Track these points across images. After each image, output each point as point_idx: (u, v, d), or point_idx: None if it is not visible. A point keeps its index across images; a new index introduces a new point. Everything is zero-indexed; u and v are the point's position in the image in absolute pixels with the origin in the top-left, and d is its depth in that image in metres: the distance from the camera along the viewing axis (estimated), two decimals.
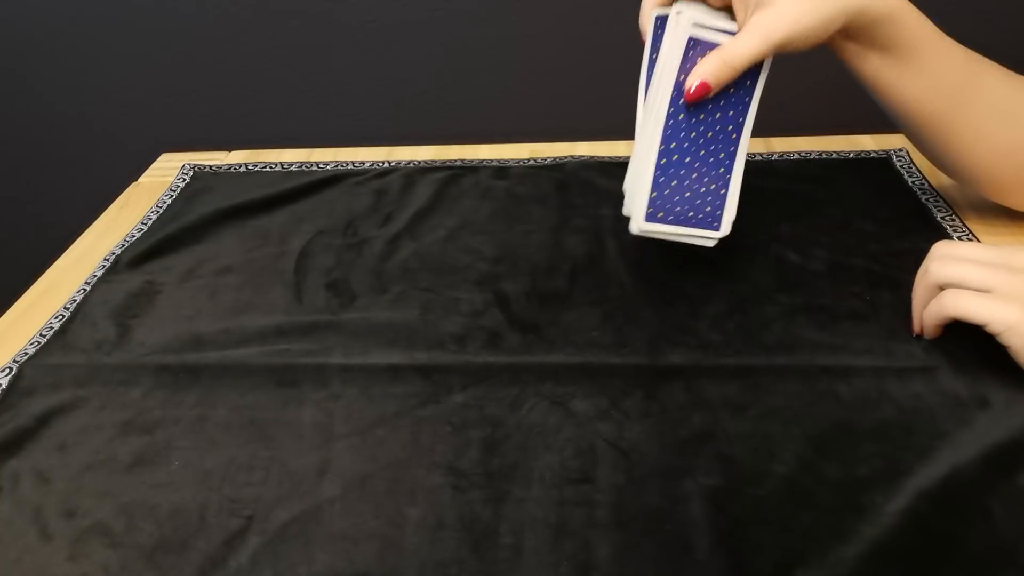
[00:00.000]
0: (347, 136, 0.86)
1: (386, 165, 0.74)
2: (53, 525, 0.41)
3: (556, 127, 0.82)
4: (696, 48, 0.47)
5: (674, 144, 0.48)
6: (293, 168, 0.75)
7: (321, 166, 0.75)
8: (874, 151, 0.71)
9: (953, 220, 0.60)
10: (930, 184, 0.65)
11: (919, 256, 0.48)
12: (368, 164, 0.75)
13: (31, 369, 0.51)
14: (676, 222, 0.50)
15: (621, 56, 0.80)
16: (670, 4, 0.49)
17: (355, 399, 0.47)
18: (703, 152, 0.49)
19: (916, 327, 0.48)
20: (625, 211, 0.50)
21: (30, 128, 0.90)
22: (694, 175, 0.49)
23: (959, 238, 0.58)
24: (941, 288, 0.45)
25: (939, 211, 0.61)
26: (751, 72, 0.48)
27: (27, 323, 0.56)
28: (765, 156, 0.71)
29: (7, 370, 0.51)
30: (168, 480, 0.43)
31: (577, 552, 0.37)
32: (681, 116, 0.48)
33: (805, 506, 0.39)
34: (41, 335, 0.54)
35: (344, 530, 0.39)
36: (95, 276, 0.60)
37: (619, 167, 0.68)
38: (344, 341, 0.52)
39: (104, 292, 0.58)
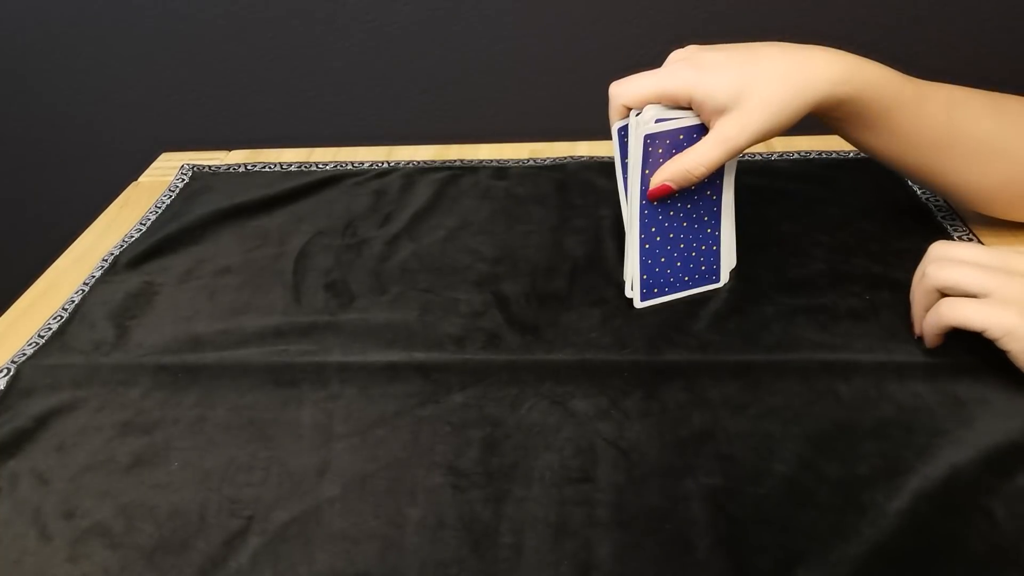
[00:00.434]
0: (346, 136, 0.86)
1: (385, 165, 0.74)
2: (52, 526, 0.41)
3: (556, 127, 0.82)
4: (655, 141, 0.48)
5: (654, 228, 0.51)
6: (292, 168, 0.75)
7: (320, 166, 0.75)
8: None
9: (953, 220, 0.60)
10: None
11: (919, 256, 0.48)
12: (367, 164, 0.75)
13: (30, 370, 0.51)
14: (674, 290, 0.53)
15: (621, 56, 0.80)
16: (628, 114, 0.50)
17: (354, 399, 0.47)
18: (686, 224, 0.52)
19: (917, 330, 0.48)
20: (628, 293, 0.53)
21: (30, 128, 0.89)
22: (681, 246, 0.52)
23: (959, 238, 0.58)
24: (938, 291, 0.45)
25: (939, 211, 0.61)
26: None
27: (26, 324, 0.56)
28: (765, 156, 0.71)
29: (5, 371, 0.51)
30: (167, 480, 0.43)
31: (577, 551, 0.37)
32: (655, 203, 0.50)
33: (805, 505, 0.39)
34: (40, 336, 0.54)
35: (344, 530, 0.39)
36: (94, 276, 0.60)
37: None
38: (343, 342, 0.52)
39: (103, 293, 0.58)
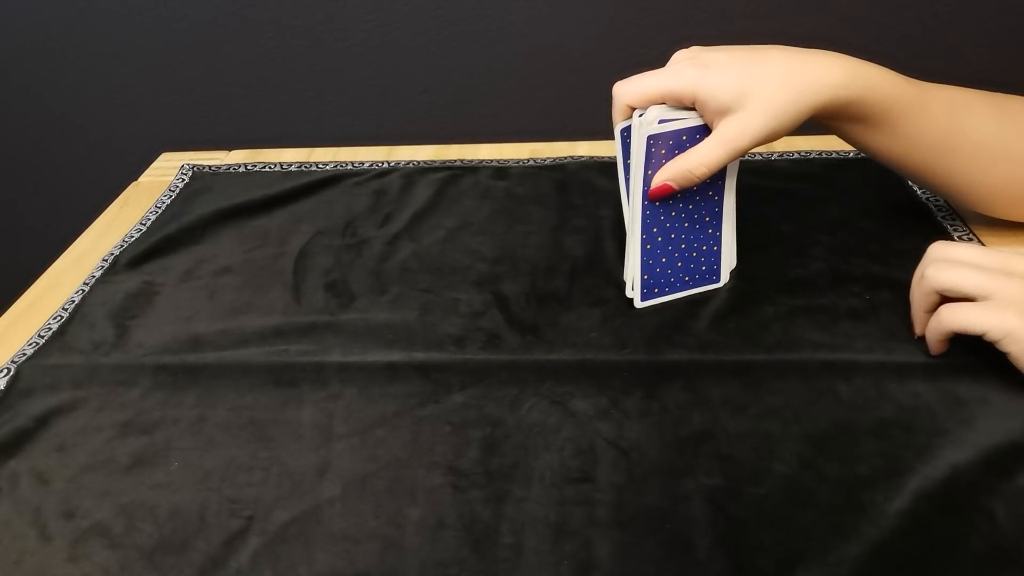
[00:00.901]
0: (346, 136, 0.86)
1: (385, 165, 0.74)
2: (52, 526, 0.41)
3: (556, 127, 0.82)
4: (658, 142, 0.48)
5: (655, 229, 0.51)
6: (292, 168, 0.75)
7: (320, 166, 0.75)
8: None
9: (953, 220, 0.60)
10: None
11: (919, 256, 0.48)
12: (367, 164, 0.75)
13: (29, 370, 0.51)
14: (674, 290, 0.53)
15: (622, 56, 0.80)
16: (631, 114, 0.50)
17: (354, 399, 0.47)
18: (687, 224, 0.52)
19: (917, 330, 0.48)
20: (628, 294, 0.53)
21: (30, 128, 0.89)
22: (682, 246, 0.52)
23: (959, 238, 0.58)
24: (938, 292, 0.45)
25: (939, 211, 0.61)
26: None
27: (26, 324, 0.56)
28: (765, 156, 0.71)
29: (5, 371, 0.51)
30: (167, 481, 0.43)
31: (578, 551, 0.37)
32: (658, 204, 0.50)
33: (805, 505, 0.39)
34: (39, 336, 0.54)
35: (344, 530, 0.39)
36: (94, 277, 0.60)
37: None
38: (343, 342, 0.52)
39: (103, 293, 0.58)
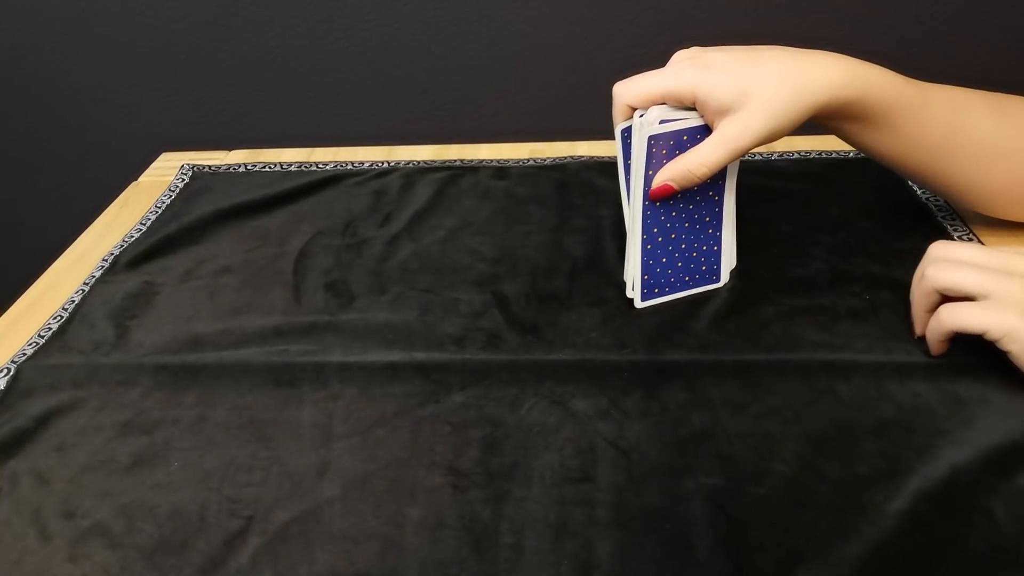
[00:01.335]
0: (346, 136, 0.86)
1: (385, 165, 0.74)
2: (52, 526, 0.41)
3: (556, 127, 0.82)
4: (659, 142, 0.49)
5: (656, 229, 0.51)
6: (292, 168, 0.75)
7: (320, 166, 0.75)
8: None
9: (953, 220, 0.60)
10: None
11: (919, 256, 0.48)
12: (367, 164, 0.75)
13: (29, 370, 0.51)
14: (675, 290, 0.53)
15: (622, 56, 0.80)
16: (631, 115, 0.50)
17: (354, 399, 0.47)
18: (687, 224, 0.52)
19: (918, 330, 0.48)
20: (628, 294, 0.53)
21: (30, 128, 0.89)
22: (682, 246, 0.52)
23: (959, 238, 0.58)
24: (938, 292, 0.45)
25: (939, 211, 0.61)
26: None
27: (26, 324, 0.56)
28: (765, 156, 0.71)
29: (5, 371, 0.51)
30: (167, 481, 0.43)
31: (578, 551, 0.37)
32: (658, 204, 0.50)
33: (805, 505, 0.39)
34: (39, 336, 0.54)
35: (344, 530, 0.39)
36: (94, 276, 0.60)
37: None
38: (343, 342, 0.52)
39: (103, 293, 0.58)
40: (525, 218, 0.64)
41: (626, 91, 0.49)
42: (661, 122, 0.48)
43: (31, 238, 0.98)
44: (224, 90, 0.85)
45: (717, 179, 0.51)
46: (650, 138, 0.48)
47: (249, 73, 0.84)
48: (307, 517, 0.40)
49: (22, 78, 0.86)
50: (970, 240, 0.57)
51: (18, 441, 0.46)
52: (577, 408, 0.45)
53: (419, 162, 0.75)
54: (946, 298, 0.45)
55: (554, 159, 0.74)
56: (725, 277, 0.54)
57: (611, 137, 0.52)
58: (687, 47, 0.51)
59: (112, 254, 0.63)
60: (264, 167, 0.76)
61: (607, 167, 0.70)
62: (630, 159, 0.51)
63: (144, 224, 0.67)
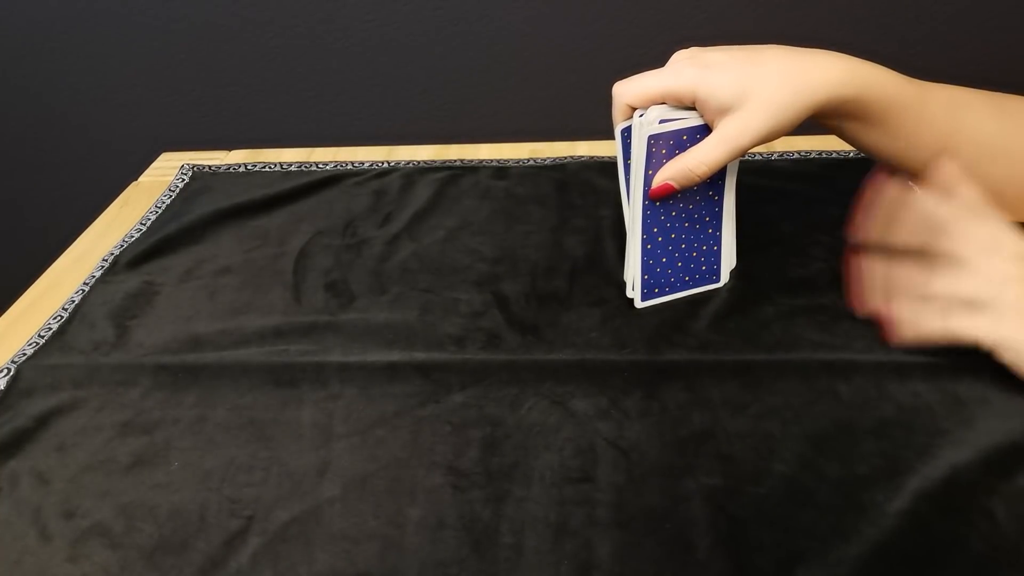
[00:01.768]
0: (346, 135, 0.86)
1: (385, 165, 0.74)
2: (53, 526, 0.41)
3: (556, 127, 0.82)
4: (658, 142, 0.49)
5: (656, 228, 0.51)
6: (292, 168, 0.75)
7: (320, 166, 0.75)
8: None
9: None
10: None
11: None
12: (367, 164, 0.75)
13: (30, 370, 0.51)
14: (675, 290, 0.53)
15: (622, 56, 0.80)
16: (631, 114, 0.50)
17: (354, 399, 0.47)
18: (687, 224, 0.52)
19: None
20: (628, 294, 0.53)
21: (30, 128, 0.89)
22: (682, 246, 0.52)
23: None
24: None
25: None
26: None
27: (26, 324, 0.56)
28: (765, 156, 0.71)
29: (5, 371, 0.51)
30: (168, 480, 0.43)
31: (578, 551, 0.37)
32: (658, 204, 0.50)
33: (805, 505, 0.39)
34: (40, 336, 0.54)
35: (344, 530, 0.39)
36: (94, 276, 0.60)
37: None
38: (343, 342, 0.52)
39: (103, 293, 0.58)
40: (525, 218, 0.64)
41: (626, 91, 0.49)
42: (661, 122, 0.48)
43: (31, 238, 0.98)
44: (224, 90, 0.85)
45: (717, 179, 0.51)
46: (650, 137, 0.48)
47: (249, 73, 0.84)
48: (307, 517, 0.40)
49: (22, 78, 0.86)
50: None
51: (18, 441, 0.46)
52: (577, 408, 0.45)
53: (419, 162, 0.75)
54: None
55: (554, 159, 0.74)
56: (725, 277, 0.54)
57: (611, 137, 0.52)
58: (687, 47, 0.51)
59: (112, 254, 0.63)
60: (264, 167, 0.76)
61: (607, 167, 0.70)
62: (630, 159, 0.51)
63: (144, 224, 0.67)
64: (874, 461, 0.41)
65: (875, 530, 0.37)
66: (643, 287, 0.52)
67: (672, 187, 0.49)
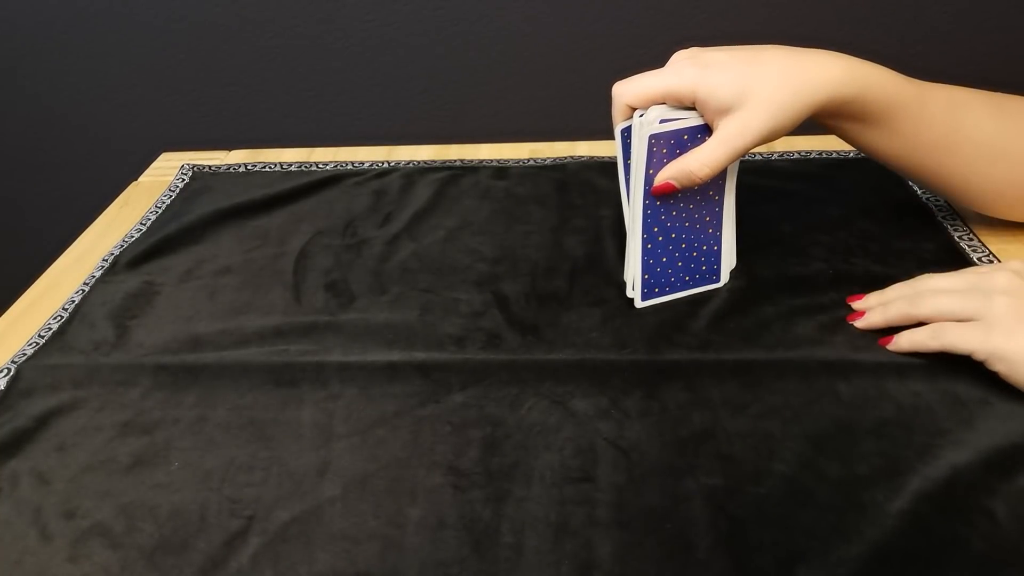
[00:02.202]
0: (346, 135, 0.86)
1: (386, 165, 0.74)
2: (53, 526, 0.41)
3: (556, 127, 0.82)
4: (659, 142, 0.49)
5: (656, 228, 0.51)
6: (292, 168, 0.75)
7: (320, 166, 0.75)
8: None
9: (954, 220, 0.60)
10: None
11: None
12: (368, 164, 0.75)
13: (30, 370, 0.51)
14: (675, 290, 0.53)
15: (622, 56, 0.80)
16: (631, 114, 0.50)
17: (354, 399, 0.47)
18: (687, 224, 0.52)
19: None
20: (628, 293, 0.53)
21: (30, 128, 0.89)
22: (683, 246, 0.52)
23: (959, 238, 0.58)
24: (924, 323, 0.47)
25: (939, 211, 0.61)
26: None
27: (26, 324, 0.56)
28: (765, 156, 0.71)
29: (5, 371, 0.51)
30: (168, 481, 0.43)
31: (578, 551, 0.37)
32: (659, 203, 0.50)
33: (806, 505, 0.39)
34: (40, 336, 0.54)
35: (345, 530, 0.39)
36: (94, 276, 0.60)
37: None
38: (343, 342, 0.52)
39: (103, 293, 0.58)
40: (525, 218, 0.64)
41: (626, 91, 0.49)
42: (661, 121, 0.48)
43: (31, 238, 0.98)
44: (224, 90, 0.85)
45: (717, 179, 0.51)
46: (650, 137, 0.48)
47: (249, 73, 0.84)
48: (307, 517, 0.40)
49: (22, 78, 0.86)
50: (971, 240, 0.57)
51: (18, 441, 0.46)
52: (577, 408, 0.45)
53: (419, 162, 0.75)
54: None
55: (554, 159, 0.74)
56: (725, 277, 0.54)
57: (611, 137, 0.52)
58: (687, 47, 0.51)
59: (112, 254, 0.63)
60: (264, 167, 0.76)
61: (607, 167, 0.70)
62: (630, 159, 0.51)
63: (144, 224, 0.67)
64: (874, 461, 0.41)
65: (875, 530, 0.37)
66: (643, 287, 0.52)
67: (673, 186, 0.49)
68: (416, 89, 0.84)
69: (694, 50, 0.51)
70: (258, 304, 0.56)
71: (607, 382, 0.47)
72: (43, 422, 0.47)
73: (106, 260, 0.62)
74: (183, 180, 0.74)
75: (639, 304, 0.53)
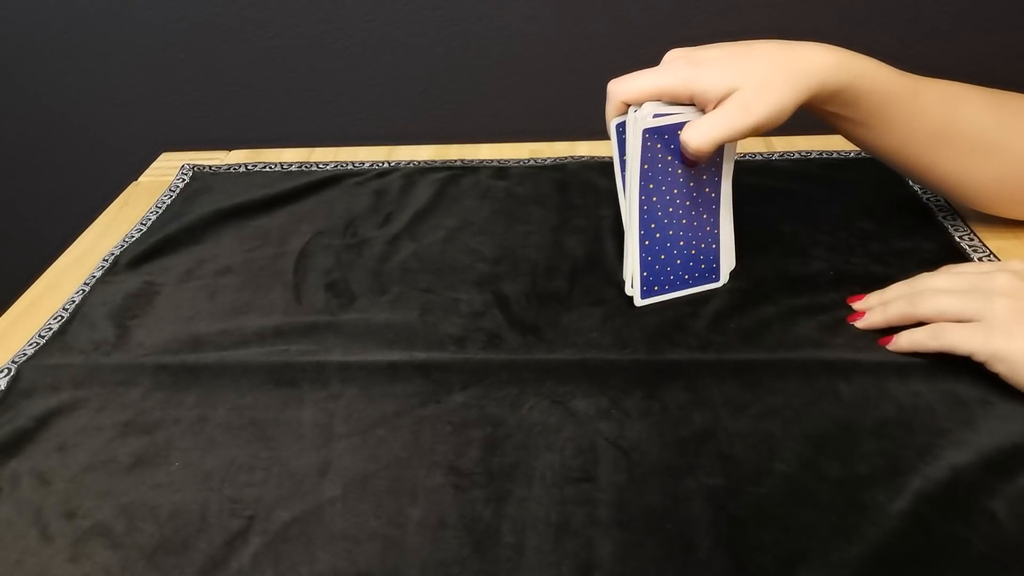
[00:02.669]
0: (347, 135, 0.86)
1: (386, 165, 0.74)
2: (53, 526, 0.41)
3: (556, 127, 0.82)
4: (654, 136, 0.49)
5: (653, 224, 0.51)
6: (293, 168, 0.75)
7: (321, 166, 0.75)
8: None
9: (954, 220, 0.60)
10: None
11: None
12: (368, 164, 0.75)
13: (30, 370, 0.51)
14: (674, 288, 0.53)
15: (621, 56, 0.80)
16: (626, 111, 0.50)
17: (355, 399, 0.47)
18: (684, 221, 0.52)
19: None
20: (627, 291, 0.53)
21: (30, 128, 0.89)
22: (680, 243, 0.52)
23: (960, 237, 0.58)
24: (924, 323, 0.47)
25: (940, 211, 0.61)
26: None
27: (26, 324, 0.56)
28: (765, 156, 0.71)
29: (6, 371, 0.51)
30: (168, 481, 0.43)
31: (579, 551, 0.37)
32: (655, 199, 0.50)
33: (806, 505, 0.39)
34: (40, 336, 0.54)
35: (345, 530, 0.39)
36: (94, 276, 0.60)
37: None
38: (343, 342, 0.52)
39: (103, 293, 0.58)
40: (525, 218, 0.64)
41: (620, 89, 0.50)
42: (655, 116, 0.48)
43: (31, 238, 0.98)
44: (224, 90, 0.85)
45: (713, 175, 0.51)
46: (645, 131, 0.48)
47: (249, 73, 0.84)
48: (308, 517, 0.40)
49: (22, 78, 0.86)
50: (971, 240, 0.57)
51: (19, 441, 0.46)
52: (578, 408, 0.45)
53: (419, 162, 0.75)
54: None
55: (554, 159, 0.74)
56: (725, 277, 0.54)
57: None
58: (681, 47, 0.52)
59: (112, 254, 0.63)
60: (264, 167, 0.76)
61: (607, 167, 0.70)
62: (625, 155, 0.51)
63: (144, 224, 0.67)
64: (875, 461, 0.41)
65: (876, 530, 0.37)
66: (642, 284, 0.52)
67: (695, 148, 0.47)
68: (416, 89, 0.84)
69: (687, 49, 0.51)
70: (258, 304, 0.56)
71: (608, 382, 0.47)
72: (43, 422, 0.47)
73: (106, 260, 0.62)
74: (183, 180, 0.74)
75: (638, 302, 0.53)
